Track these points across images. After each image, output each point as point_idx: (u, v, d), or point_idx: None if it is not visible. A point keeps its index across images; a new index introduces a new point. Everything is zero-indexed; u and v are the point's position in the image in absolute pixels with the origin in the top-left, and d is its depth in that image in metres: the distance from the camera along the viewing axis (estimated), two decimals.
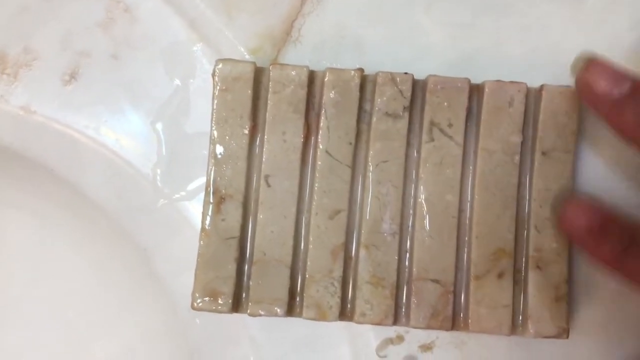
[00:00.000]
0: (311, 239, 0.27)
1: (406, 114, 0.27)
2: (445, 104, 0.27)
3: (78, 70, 0.30)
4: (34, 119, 0.30)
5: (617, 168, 0.28)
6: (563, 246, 0.27)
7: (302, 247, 0.27)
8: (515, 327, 0.27)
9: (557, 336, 0.26)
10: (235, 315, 0.27)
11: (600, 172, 0.28)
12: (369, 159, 0.27)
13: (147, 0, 0.30)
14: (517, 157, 0.27)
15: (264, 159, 0.27)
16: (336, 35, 0.30)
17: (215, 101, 0.27)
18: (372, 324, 0.27)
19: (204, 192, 0.27)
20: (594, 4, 0.29)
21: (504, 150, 0.27)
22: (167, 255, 0.30)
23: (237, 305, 0.27)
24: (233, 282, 0.27)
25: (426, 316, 0.26)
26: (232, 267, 0.27)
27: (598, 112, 0.25)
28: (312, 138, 0.27)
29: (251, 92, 0.27)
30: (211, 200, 0.27)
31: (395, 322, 0.27)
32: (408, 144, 0.27)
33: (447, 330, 0.27)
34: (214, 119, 0.27)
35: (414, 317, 0.26)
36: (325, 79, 0.27)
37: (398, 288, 0.27)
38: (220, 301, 0.26)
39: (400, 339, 0.29)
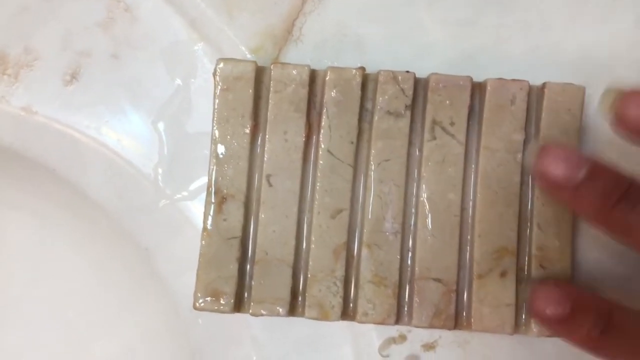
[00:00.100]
0: (313, 238, 0.27)
1: (408, 113, 0.27)
2: (447, 102, 0.27)
3: (79, 71, 0.30)
4: (35, 120, 0.30)
5: (619, 165, 0.28)
6: (566, 245, 0.27)
7: (304, 246, 0.27)
8: (518, 326, 0.27)
9: None
10: (237, 315, 0.27)
11: None
12: (371, 157, 0.27)
13: (147, 0, 0.30)
14: (519, 155, 0.27)
15: (265, 159, 0.27)
16: (337, 34, 0.30)
17: (217, 101, 0.27)
18: (375, 323, 0.27)
19: (205, 192, 0.27)
20: (597, 1, 0.29)
21: (506, 148, 0.27)
22: (168, 255, 0.30)
23: (239, 305, 0.27)
24: (235, 282, 0.27)
25: (429, 315, 0.26)
26: (234, 267, 0.27)
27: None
28: (314, 137, 0.27)
29: (252, 92, 0.27)
30: (213, 200, 0.27)
31: (398, 321, 0.27)
32: (410, 142, 0.27)
33: (449, 329, 0.26)
34: (215, 119, 0.27)
35: (417, 316, 0.26)
36: (327, 78, 0.27)
37: (400, 287, 0.27)
38: (222, 301, 0.26)
39: (402, 338, 0.29)
